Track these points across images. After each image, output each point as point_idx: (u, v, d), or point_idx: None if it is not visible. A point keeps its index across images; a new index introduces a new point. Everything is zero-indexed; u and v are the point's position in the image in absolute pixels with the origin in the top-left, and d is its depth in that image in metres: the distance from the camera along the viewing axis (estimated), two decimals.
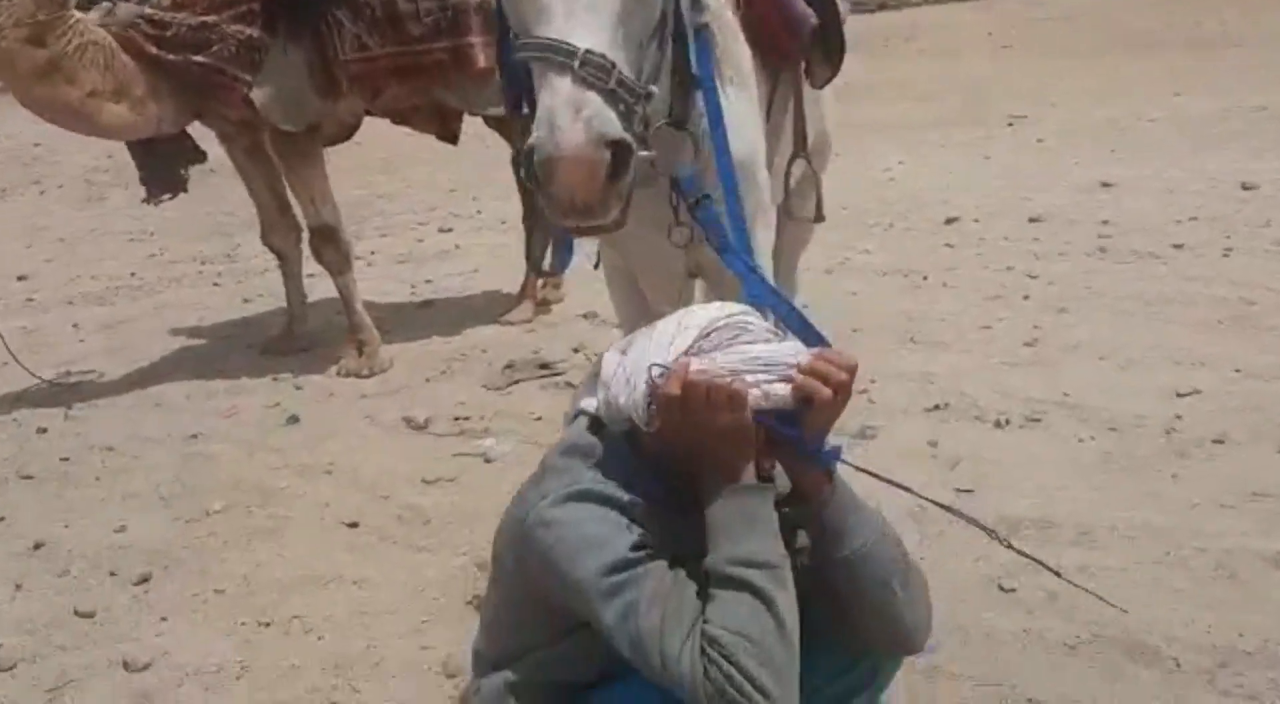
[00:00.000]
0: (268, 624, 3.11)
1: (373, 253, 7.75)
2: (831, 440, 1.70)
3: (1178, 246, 6.31)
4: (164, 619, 3.18)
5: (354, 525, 3.71)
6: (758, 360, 1.56)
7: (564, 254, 2.33)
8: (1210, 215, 6.86)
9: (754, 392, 1.55)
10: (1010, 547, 1.70)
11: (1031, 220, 7.20)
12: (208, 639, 3.05)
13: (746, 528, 1.51)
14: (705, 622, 1.47)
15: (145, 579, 3.40)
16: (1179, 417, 4.15)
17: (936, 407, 4.47)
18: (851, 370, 1.60)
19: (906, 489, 1.65)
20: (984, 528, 1.66)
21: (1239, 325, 5.05)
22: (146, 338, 6.15)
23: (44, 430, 4.77)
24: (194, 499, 3.99)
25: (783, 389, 1.57)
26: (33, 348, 5.90)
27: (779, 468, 1.68)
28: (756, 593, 1.47)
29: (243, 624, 3.13)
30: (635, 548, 1.53)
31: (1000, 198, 7.84)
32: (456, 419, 4.71)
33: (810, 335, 1.89)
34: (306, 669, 2.88)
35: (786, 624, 1.47)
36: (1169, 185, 7.72)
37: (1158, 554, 3.25)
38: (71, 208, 10.19)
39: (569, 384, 5.11)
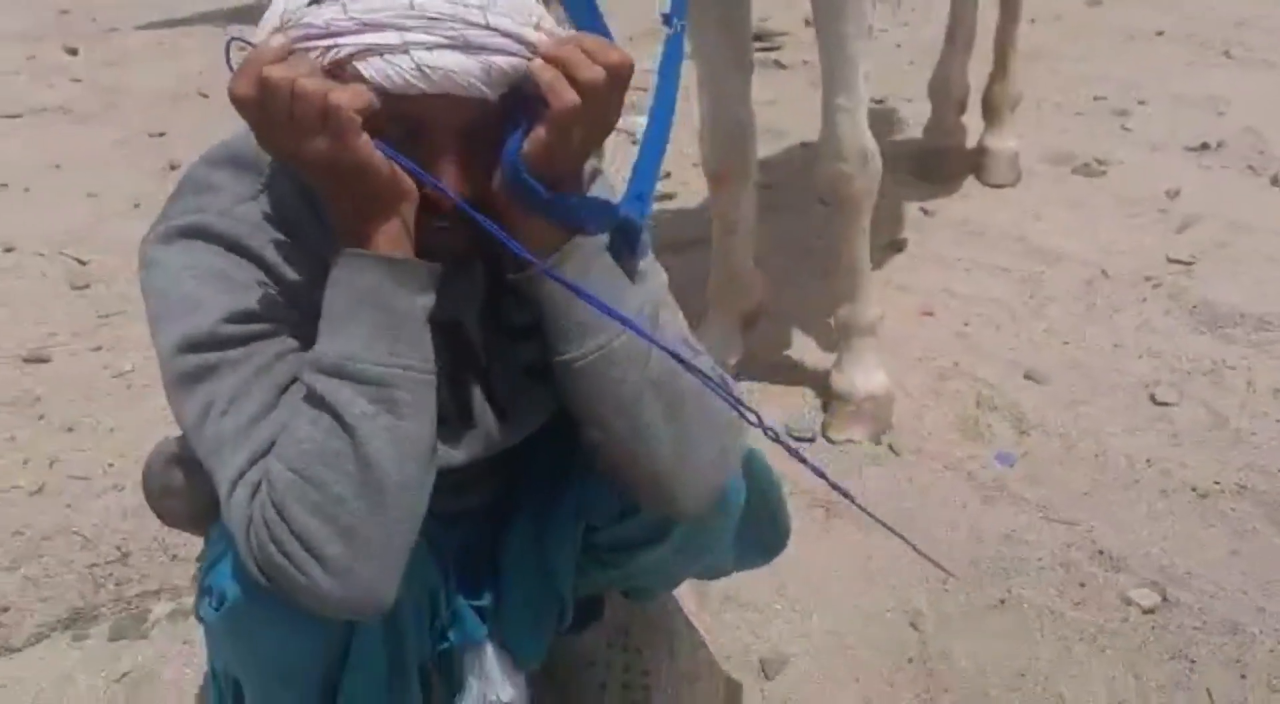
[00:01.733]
0: None
1: None
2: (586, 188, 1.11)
3: None
4: None
5: None
6: (414, 7, 0.95)
7: None
8: None
9: (379, 71, 0.95)
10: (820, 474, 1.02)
11: None
12: None
13: (350, 317, 0.99)
14: (273, 451, 0.99)
15: None
16: None
17: (1205, 146, 3.45)
18: (619, 67, 0.98)
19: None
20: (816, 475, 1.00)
21: None
22: None
23: None
24: None
25: (457, 61, 0.96)
26: None
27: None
28: (338, 416, 0.97)
29: None
30: (235, 318, 1.04)
31: None
32: (638, 89, 4.19)
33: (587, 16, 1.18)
34: None
35: (378, 464, 0.97)
36: None
37: None
38: None
39: (779, 64, 4.44)
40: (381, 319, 0.99)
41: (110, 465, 2.26)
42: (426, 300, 1.02)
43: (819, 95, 2.15)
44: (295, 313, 1.08)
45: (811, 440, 2.31)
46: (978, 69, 3.39)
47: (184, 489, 1.27)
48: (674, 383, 1.09)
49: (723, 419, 1.13)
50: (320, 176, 0.98)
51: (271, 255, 1.09)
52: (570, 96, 0.98)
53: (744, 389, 2.44)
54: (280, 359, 1.06)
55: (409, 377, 1.00)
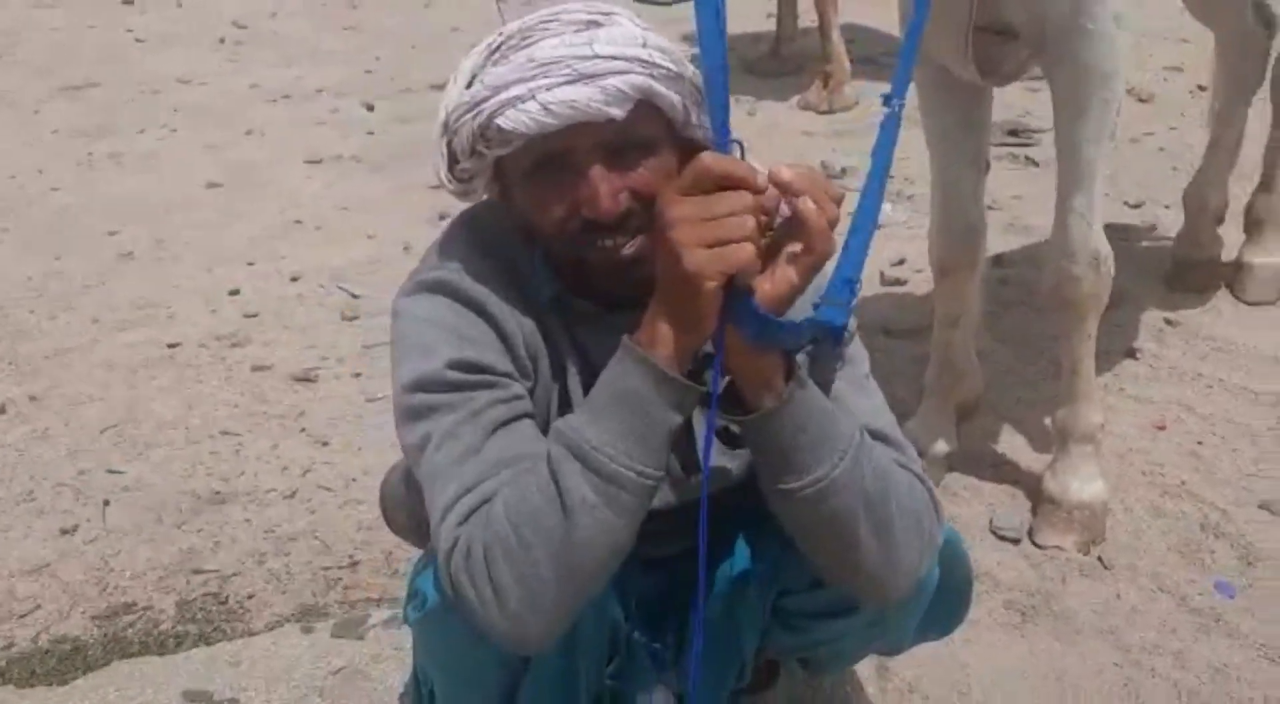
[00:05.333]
0: None
1: None
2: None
3: None
4: None
5: None
6: (532, 60, 1.16)
7: None
8: None
9: (515, 120, 1.15)
10: None
11: None
12: None
13: (608, 409, 1.09)
14: (499, 490, 1.11)
15: None
16: None
17: None
18: (839, 204, 1.05)
19: None
20: None
21: None
22: None
23: None
24: None
25: (576, 91, 1.14)
26: None
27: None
28: (562, 494, 1.07)
29: None
30: (458, 366, 1.18)
31: None
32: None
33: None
34: None
35: (580, 548, 1.07)
36: None
37: None
38: None
39: (1031, 160, 4.38)
40: (635, 422, 1.08)
41: (353, 480, 2.50)
42: (679, 417, 1.10)
43: None
44: (512, 363, 1.23)
45: (1016, 542, 2.27)
46: (1245, 178, 3.25)
47: (409, 504, 1.44)
48: (885, 503, 1.16)
49: (927, 519, 1.19)
50: (666, 274, 1.06)
51: (498, 310, 1.24)
52: (833, 241, 1.05)
53: (951, 481, 2.43)
54: (491, 406, 1.19)
55: (638, 482, 1.09)
